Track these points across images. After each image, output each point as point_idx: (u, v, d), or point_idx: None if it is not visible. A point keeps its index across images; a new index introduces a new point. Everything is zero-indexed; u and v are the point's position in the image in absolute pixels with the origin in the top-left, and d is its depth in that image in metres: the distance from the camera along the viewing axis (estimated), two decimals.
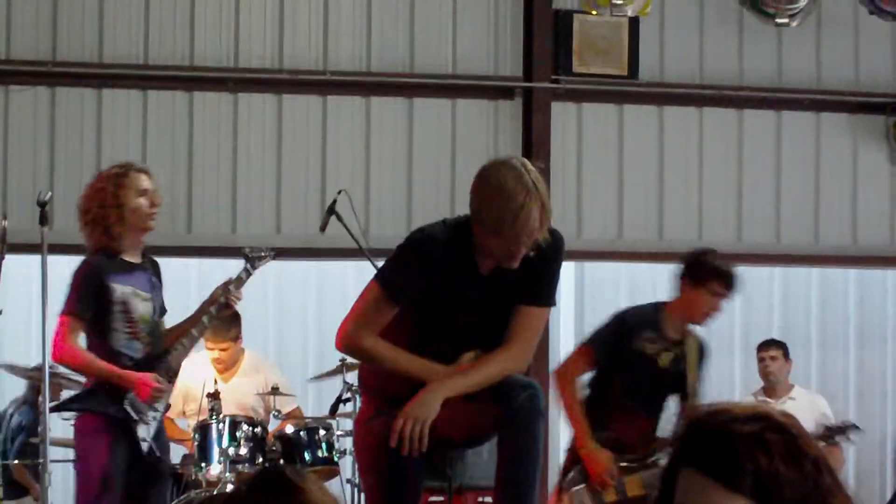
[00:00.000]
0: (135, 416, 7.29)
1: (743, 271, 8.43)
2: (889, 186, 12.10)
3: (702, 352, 8.19)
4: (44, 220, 7.37)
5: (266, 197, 11.29)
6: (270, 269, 11.79)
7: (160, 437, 7.52)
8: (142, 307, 7.43)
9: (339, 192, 9.77)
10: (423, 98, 11.33)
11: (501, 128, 11.47)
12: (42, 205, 7.40)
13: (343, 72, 11.34)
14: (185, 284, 11.63)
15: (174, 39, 11.17)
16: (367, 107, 11.38)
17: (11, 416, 11.17)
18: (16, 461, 10.89)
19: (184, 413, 9.80)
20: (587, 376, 8.15)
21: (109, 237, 7.37)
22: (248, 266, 7.87)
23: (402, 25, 11.43)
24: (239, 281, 7.77)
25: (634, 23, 11.45)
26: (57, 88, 11.06)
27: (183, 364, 10.00)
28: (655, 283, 10.99)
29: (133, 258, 7.49)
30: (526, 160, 5.96)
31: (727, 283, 7.81)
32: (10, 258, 8.54)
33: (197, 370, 9.79)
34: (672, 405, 8.16)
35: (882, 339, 12.78)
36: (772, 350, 10.91)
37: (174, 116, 11.19)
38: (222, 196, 11.25)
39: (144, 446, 7.30)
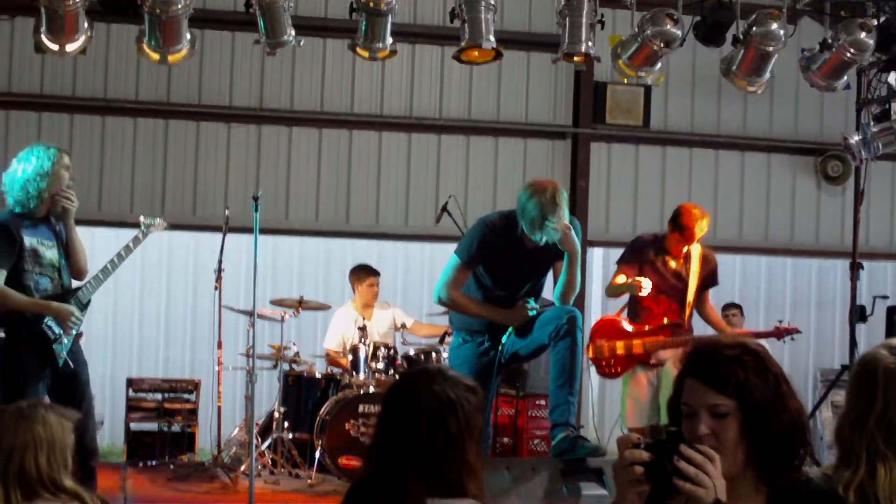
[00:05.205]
0: (52, 336, 6.24)
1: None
2: (815, 204, 11.91)
3: (704, 263, 7.94)
4: (256, 208, 7.47)
5: (399, 199, 11.20)
6: (401, 247, 11.78)
7: (78, 355, 6.41)
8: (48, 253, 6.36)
9: (450, 197, 9.82)
10: (506, 138, 11.31)
11: (557, 159, 11.39)
12: (256, 199, 7.49)
13: (452, 118, 11.23)
14: (342, 256, 11.67)
15: (341, 95, 11.09)
16: (468, 143, 11.34)
17: None
18: None
19: (344, 343, 9.87)
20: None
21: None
22: (140, 233, 6.73)
23: (492, 88, 11.26)
24: (136, 240, 6.65)
25: (647, 90, 11.37)
26: (264, 127, 10.94)
27: (339, 316, 10.18)
28: None
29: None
30: (557, 183, 6.19)
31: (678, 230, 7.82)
32: (230, 236, 8.83)
33: (349, 317, 9.92)
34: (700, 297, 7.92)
35: (807, 304, 12.73)
36: (733, 309, 10.93)
37: (339, 147, 11.12)
38: (370, 198, 11.17)
39: (60, 361, 6.26)
